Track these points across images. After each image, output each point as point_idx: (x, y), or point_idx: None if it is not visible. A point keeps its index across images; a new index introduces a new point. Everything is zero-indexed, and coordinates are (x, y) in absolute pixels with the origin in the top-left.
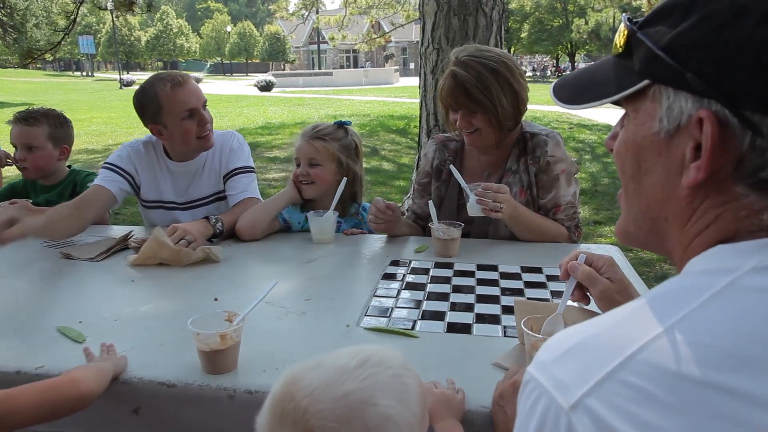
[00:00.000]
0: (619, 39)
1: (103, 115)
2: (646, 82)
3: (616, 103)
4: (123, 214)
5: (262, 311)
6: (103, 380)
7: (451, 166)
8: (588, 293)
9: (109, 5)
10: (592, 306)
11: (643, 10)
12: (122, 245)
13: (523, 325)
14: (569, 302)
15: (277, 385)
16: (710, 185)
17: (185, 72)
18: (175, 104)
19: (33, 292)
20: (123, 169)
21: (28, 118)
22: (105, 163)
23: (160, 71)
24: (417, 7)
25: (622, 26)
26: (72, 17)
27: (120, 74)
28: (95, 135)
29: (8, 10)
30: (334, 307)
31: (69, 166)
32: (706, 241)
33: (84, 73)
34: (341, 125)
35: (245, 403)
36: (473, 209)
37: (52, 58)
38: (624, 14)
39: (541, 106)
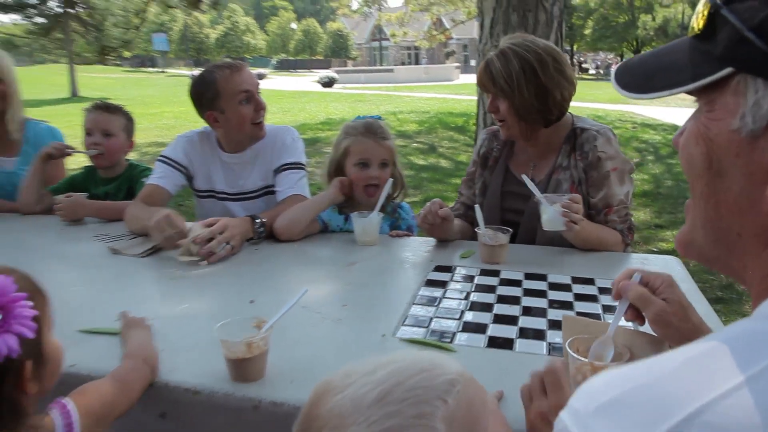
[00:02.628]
0: (699, 17)
1: (173, 110)
2: (728, 70)
3: (690, 93)
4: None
5: (297, 317)
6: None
7: (524, 176)
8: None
9: (176, 2)
10: (646, 327)
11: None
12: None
13: (568, 347)
14: (622, 322)
15: (310, 396)
16: None
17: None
18: (233, 87)
19: (74, 288)
20: (177, 162)
21: (108, 107)
22: (161, 156)
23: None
24: (477, 3)
25: (703, 1)
26: (142, 16)
27: (191, 71)
28: (165, 128)
29: (90, 10)
30: (371, 314)
31: (127, 161)
32: None
33: (158, 70)
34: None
35: (270, 414)
36: (553, 223)
37: (130, 55)
38: None
39: (604, 104)
